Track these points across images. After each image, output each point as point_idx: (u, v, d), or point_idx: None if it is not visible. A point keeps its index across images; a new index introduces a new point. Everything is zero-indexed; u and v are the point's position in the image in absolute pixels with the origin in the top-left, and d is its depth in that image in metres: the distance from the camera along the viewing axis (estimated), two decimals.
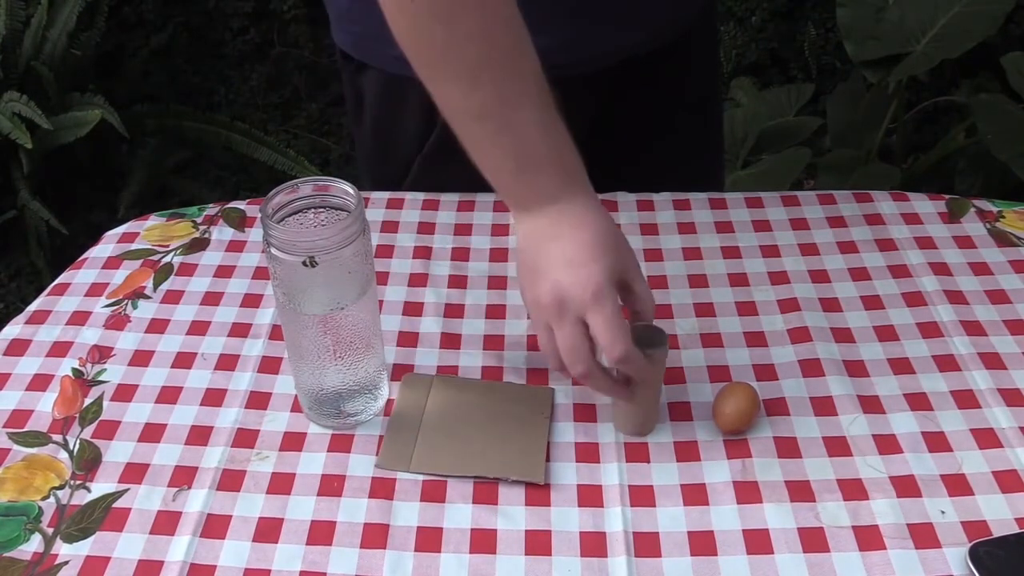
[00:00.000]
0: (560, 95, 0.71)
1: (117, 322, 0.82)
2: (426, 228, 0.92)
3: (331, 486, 0.67)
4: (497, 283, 0.85)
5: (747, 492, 0.65)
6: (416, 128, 0.93)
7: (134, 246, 0.91)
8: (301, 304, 0.65)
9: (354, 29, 0.90)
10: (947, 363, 0.75)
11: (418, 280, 0.85)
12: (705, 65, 1.02)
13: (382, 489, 0.67)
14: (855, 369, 0.74)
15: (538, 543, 0.63)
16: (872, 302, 0.81)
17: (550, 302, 0.64)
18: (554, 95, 0.67)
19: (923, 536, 0.62)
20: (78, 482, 0.68)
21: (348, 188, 0.65)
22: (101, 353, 0.79)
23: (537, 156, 0.66)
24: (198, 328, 0.81)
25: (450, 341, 0.79)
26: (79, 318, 0.82)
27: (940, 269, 0.84)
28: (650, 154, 1.00)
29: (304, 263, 0.62)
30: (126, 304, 0.84)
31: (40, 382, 0.76)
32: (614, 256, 0.66)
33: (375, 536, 0.64)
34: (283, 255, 0.62)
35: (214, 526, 0.65)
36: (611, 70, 0.91)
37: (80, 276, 0.87)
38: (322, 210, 0.66)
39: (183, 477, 0.68)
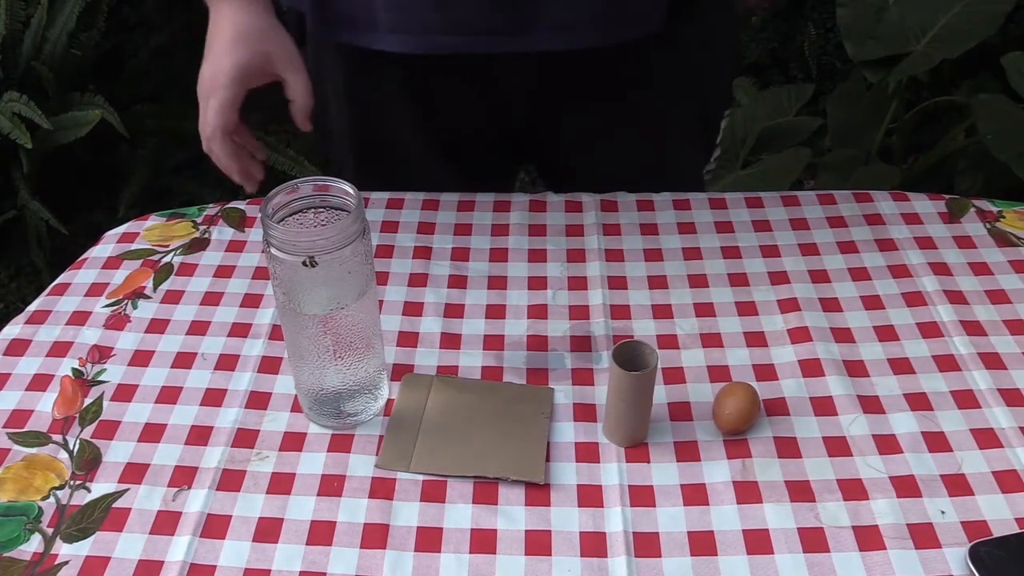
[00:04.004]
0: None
1: (117, 322, 0.82)
2: (426, 228, 0.92)
3: (331, 486, 0.67)
4: (497, 283, 0.85)
5: (747, 492, 0.65)
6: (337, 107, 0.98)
7: (134, 246, 0.91)
8: (301, 304, 0.65)
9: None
10: (947, 363, 0.75)
11: (418, 280, 0.85)
12: (705, 65, 1.01)
13: (382, 489, 0.67)
14: (855, 369, 0.74)
15: (538, 543, 0.63)
16: (872, 302, 0.81)
17: (198, 88, 0.83)
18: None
19: (923, 536, 0.62)
20: (78, 482, 0.68)
21: (348, 188, 0.65)
22: (101, 353, 0.79)
23: None
24: (198, 328, 0.81)
25: (450, 341, 0.79)
26: (79, 318, 0.82)
27: (940, 269, 0.84)
28: (613, 150, 1.00)
29: (304, 263, 0.62)
30: (126, 304, 0.84)
31: (40, 382, 0.76)
32: (249, 53, 0.81)
33: (375, 536, 0.64)
34: (283, 255, 0.62)
35: (214, 526, 0.65)
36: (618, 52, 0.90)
37: (80, 276, 0.87)
38: (322, 210, 0.66)
39: (183, 477, 0.68)
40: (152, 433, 0.71)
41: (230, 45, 0.81)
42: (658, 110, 0.97)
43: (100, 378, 0.76)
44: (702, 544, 0.62)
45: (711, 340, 0.78)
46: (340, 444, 0.70)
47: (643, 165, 1.00)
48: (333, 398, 0.70)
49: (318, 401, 0.71)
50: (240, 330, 0.81)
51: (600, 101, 0.95)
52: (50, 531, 0.65)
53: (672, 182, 0.97)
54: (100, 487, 0.68)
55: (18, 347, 0.80)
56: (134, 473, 0.68)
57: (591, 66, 0.90)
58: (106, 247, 0.91)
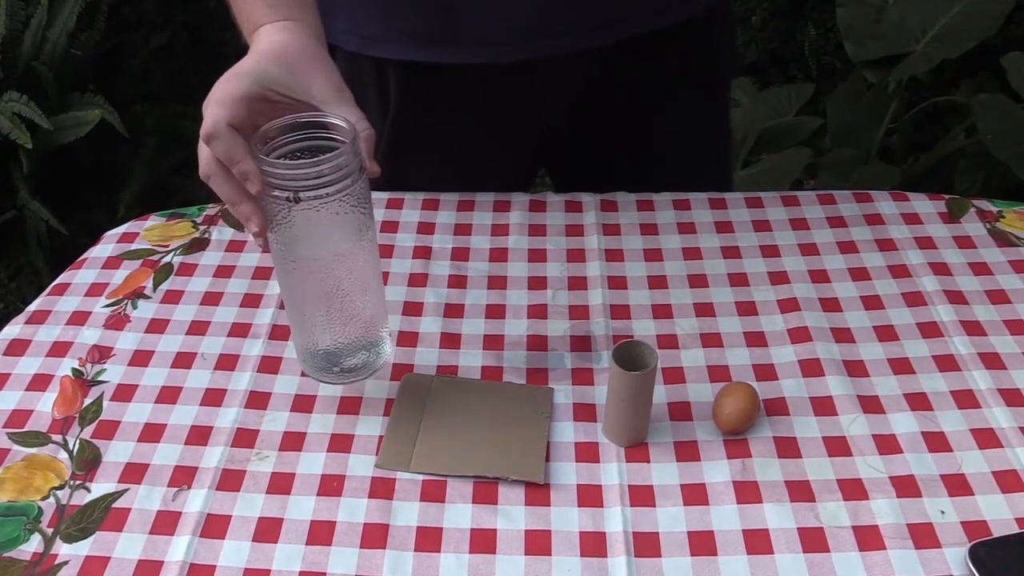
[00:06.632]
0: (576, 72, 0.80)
1: (117, 322, 0.82)
2: (426, 228, 0.92)
3: (331, 486, 0.67)
4: (497, 283, 0.85)
5: (747, 492, 0.65)
6: (376, 119, 0.94)
7: (134, 246, 0.91)
8: (293, 247, 0.64)
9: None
10: (947, 363, 0.75)
11: (418, 280, 0.85)
12: (713, 57, 1.01)
13: (382, 489, 0.67)
14: (855, 369, 0.74)
15: (538, 543, 0.63)
16: (872, 302, 0.81)
17: (205, 103, 0.63)
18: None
19: (923, 536, 0.62)
20: (78, 482, 0.68)
21: (345, 125, 0.63)
22: (101, 353, 0.79)
23: None
24: (198, 328, 0.81)
25: (450, 341, 0.79)
26: (79, 318, 0.82)
27: (940, 269, 0.84)
28: (653, 147, 1.00)
29: (288, 199, 0.61)
30: (126, 304, 0.84)
31: (40, 382, 0.76)
32: (282, 67, 0.64)
33: (375, 536, 0.64)
34: (271, 191, 0.61)
35: (214, 526, 0.64)
36: (619, 49, 0.91)
37: (80, 276, 0.87)
38: (325, 152, 0.63)
39: (183, 477, 0.68)
40: (152, 433, 0.71)
41: (258, 55, 0.65)
42: (693, 98, 0.99)
43: (100, 378, 0.76)
44: (702, 544, 0.62)
45: (711, 340, 0.78)
46: (340, 444, 0.70)
47: (680, 160, 1.01)
48: (327, 351, 0.69)
49: (312, 354, 0.70)
50: (240, 330, 0.81)
51: (643, 93, 0.96)
52: (50, 531, 0.65)
53: (707, 176, 0.98)
54: (100, 487, 0.68)
55: (18, 347, 0.80)
56: (134, 473, 0.68)
57: (640, 55, 0.91)
58: (106, 247, 0.91)
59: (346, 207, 0.63)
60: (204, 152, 0.63)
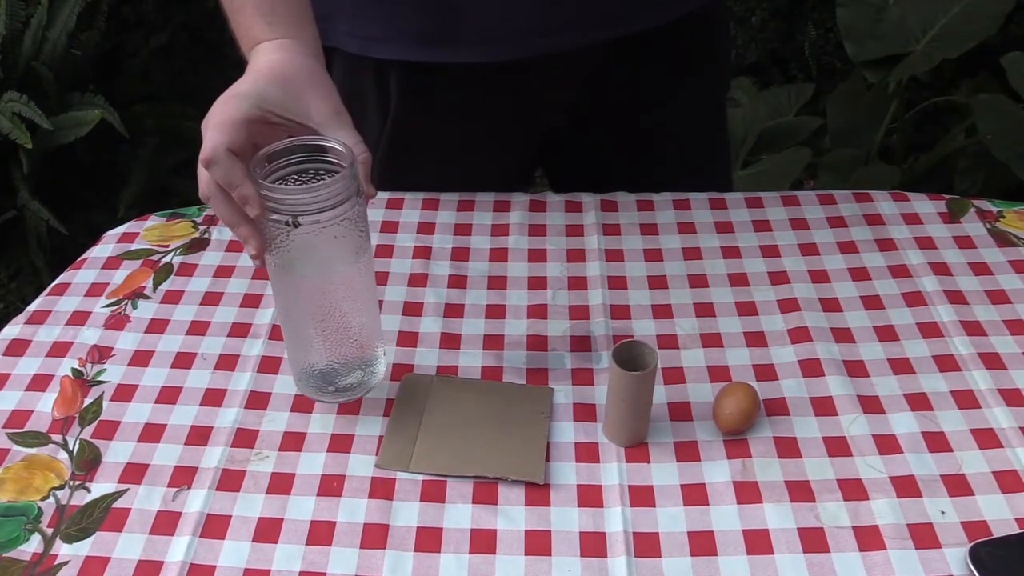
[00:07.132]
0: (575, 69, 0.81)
1: (117, 322, 0.82)
2: (426, 228, 0.92)
3: (331, 486, 0.67)
4: (497, 283, 0.85)
5: (747, 492, 0.65)
6: (375, 121, 0.94)
7: (134, 246, 0.91)
8: (290, 269, 0.64)
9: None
10: (947, 363, 0.75)
11: (418, 280, 0.85)
12: (712, 54, 1.01)
13: (382, 489, 0.67)
14: (855, 369, 0.74)
15: (538, 543, 0.63)
16: (872, 302, 0.81)
17: (203, 122, 0.64)
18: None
19: (923, 536, 0.62)
20: (78, 482, 0.68)
21: (342, 149, 0.63)
22: (101, 353, 0.79)
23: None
24: (198, 328, 0.81)
25: (450, 341, 0.79)
26: (79, 318, 0.82)
27: (940, 269, 0.84)
28: (653, 147, 1.01)
29: (287, 223, 0.61)
30: (126, 304, 0.84)
31: (40, 382, 0.76)
32: (280, 88, 0.64)
33: (375, 536, 0.64)
34: (269, 215, 0.61)
35: (214, 526, 0.64)
36: (618, 48, 0.91)
37: (80, 276, 0.87)
38: (323, 174, 0.64)
39: (183, 477, 0.68)
40: (152, 433, 0.71)
41: (256, 75, 0.65)
42: (693, 97, 0.99)
43: (100, 378, 0.76)
44: (702, 544, 0.62)
45: (711, 340, 0.78)
46: (340, 444, 0.70)
47: (680, 160, 1.01)
48: (323, 370, 0.69)
49: (307, 374, 0.70)
50: (240, 330, 0.81)
51: (642, 92, 0.96)
52: (50, 531, 0.65)
53: (707, 176, 0.99)
54: (100, 487, 0.68)
55: (18, 347, 0.80)
56: (134, 473, 0.68)
57: (639, 54, 0.91)
58: (106, 247, 0.91)
59: (344, 230, 0.63)
60: (203, 175, 0.63)
